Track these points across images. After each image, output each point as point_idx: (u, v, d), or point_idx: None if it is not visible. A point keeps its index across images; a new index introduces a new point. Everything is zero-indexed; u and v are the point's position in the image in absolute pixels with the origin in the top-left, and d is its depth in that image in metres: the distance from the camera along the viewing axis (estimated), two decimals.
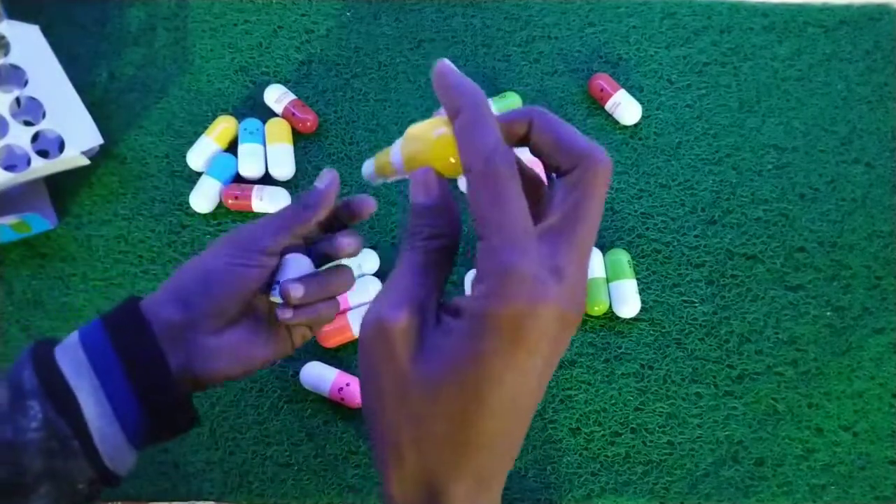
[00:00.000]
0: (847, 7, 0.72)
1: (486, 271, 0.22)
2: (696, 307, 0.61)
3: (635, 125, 0.67)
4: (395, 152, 0.29)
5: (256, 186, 0.63)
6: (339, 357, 0.59)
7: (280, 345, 0.44)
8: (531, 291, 0.22)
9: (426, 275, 0.25)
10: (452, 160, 0.26)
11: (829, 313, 0.61)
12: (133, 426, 0.37)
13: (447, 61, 0.27)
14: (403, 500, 0.24)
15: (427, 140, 0.27)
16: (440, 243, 0.25)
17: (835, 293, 0.62)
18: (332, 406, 0.58)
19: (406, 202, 0.64)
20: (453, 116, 0.25)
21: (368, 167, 0.32)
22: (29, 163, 0.58)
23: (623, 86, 0.67)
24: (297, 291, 0.40)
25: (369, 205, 0.43)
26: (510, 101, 0.66)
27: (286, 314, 0.41)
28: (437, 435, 0.23)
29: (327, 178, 0.42)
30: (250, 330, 0.42)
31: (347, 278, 0.44)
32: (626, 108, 0.65)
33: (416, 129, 0.28)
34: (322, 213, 0.41)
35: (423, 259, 0.25)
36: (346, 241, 0.42)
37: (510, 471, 0.56)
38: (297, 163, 0.65)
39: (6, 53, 0.60)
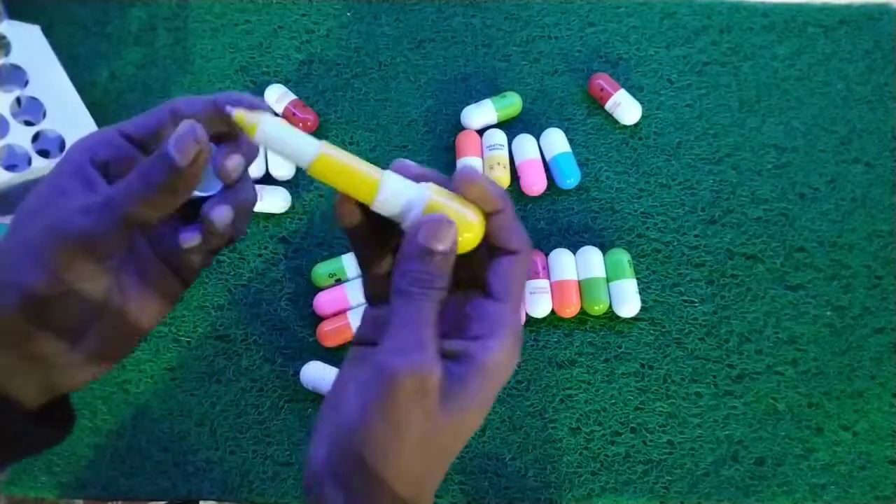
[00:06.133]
0: (847, 7, 0.72)
1: (498, 331, 0.29)
2: (696, 307, 0.61)
3: (635, 125, 0.67)
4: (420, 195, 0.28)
5: (256, 186, 0.63)
6: (340, 357, 0.59)
7: (173, 289, 0.32)
8: (519, 342, 0.30)
9: (434, 321, 0.28)
10: (469, 235, 0.29)
11: (829, 313, 0.61)
12: None
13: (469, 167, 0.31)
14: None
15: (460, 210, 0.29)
16: (446, 291, 0.28)
17: (835, 293, 0.62)
18: None
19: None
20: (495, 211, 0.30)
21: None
22: (30, 162, 0.58)
23: (623, 86, 0.67)
24: (225, 216, 0.30)
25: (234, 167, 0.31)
26: (510, 101, 0.66)
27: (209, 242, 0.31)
28: (451, 458, 0.29)
29: (183, 138, 0.27)
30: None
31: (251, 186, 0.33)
32: (626, 108, 0.65)
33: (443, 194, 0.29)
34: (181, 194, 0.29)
35: (436, 308, 0.28)
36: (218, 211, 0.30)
37: (511, 470, 0.56)
38: None
39: (7, 53, 0.60)
